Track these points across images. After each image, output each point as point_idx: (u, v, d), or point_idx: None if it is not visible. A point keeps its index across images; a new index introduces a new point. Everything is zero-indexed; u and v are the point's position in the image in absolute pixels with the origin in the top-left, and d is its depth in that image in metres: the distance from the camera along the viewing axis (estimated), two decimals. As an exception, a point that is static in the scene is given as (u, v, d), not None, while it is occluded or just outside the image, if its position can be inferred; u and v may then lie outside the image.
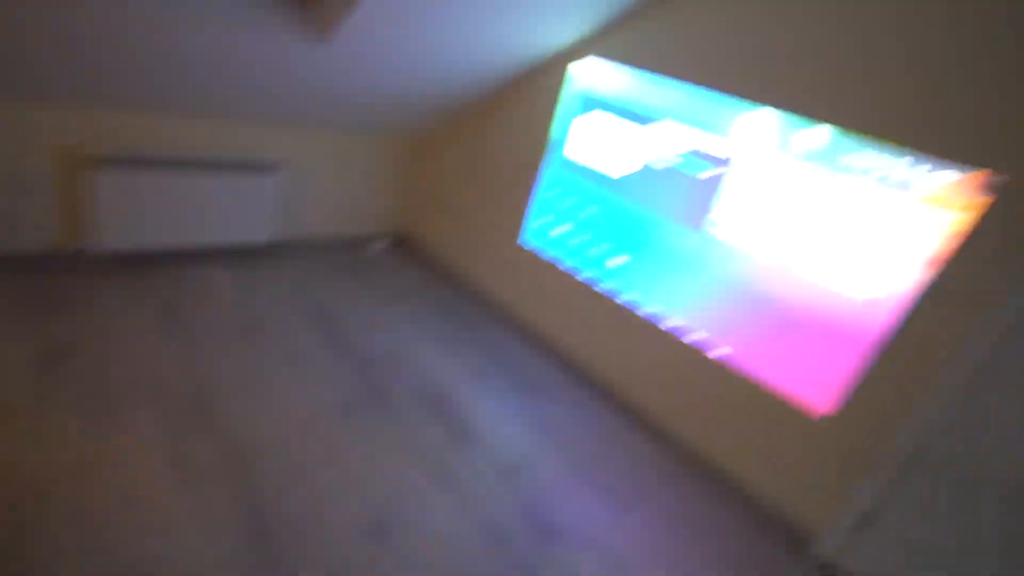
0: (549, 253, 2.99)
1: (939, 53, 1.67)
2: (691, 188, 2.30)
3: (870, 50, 1.80)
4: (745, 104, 2.11)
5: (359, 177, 3.58)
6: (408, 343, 2.82)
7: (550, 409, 2.59)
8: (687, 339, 2.41)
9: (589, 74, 2.65)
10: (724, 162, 2.18)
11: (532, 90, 2.96)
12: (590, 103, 2.65)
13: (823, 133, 1.92)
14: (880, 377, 1.88)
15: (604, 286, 2.73)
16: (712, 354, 2.33)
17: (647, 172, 2.46)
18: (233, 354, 2.35)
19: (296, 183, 3.30)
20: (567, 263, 2.90)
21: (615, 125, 2.56)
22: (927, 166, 1.72)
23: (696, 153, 2.26)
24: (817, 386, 2.04)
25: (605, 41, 2.57)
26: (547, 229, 2.98)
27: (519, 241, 3.14)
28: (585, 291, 2.83)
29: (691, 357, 2.41)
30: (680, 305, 2.43)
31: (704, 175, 2.25)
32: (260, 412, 2.08)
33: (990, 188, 1.61)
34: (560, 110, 2.80)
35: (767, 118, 2.05)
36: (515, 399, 2.60)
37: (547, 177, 2.93)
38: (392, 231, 4.01)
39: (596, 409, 2.69)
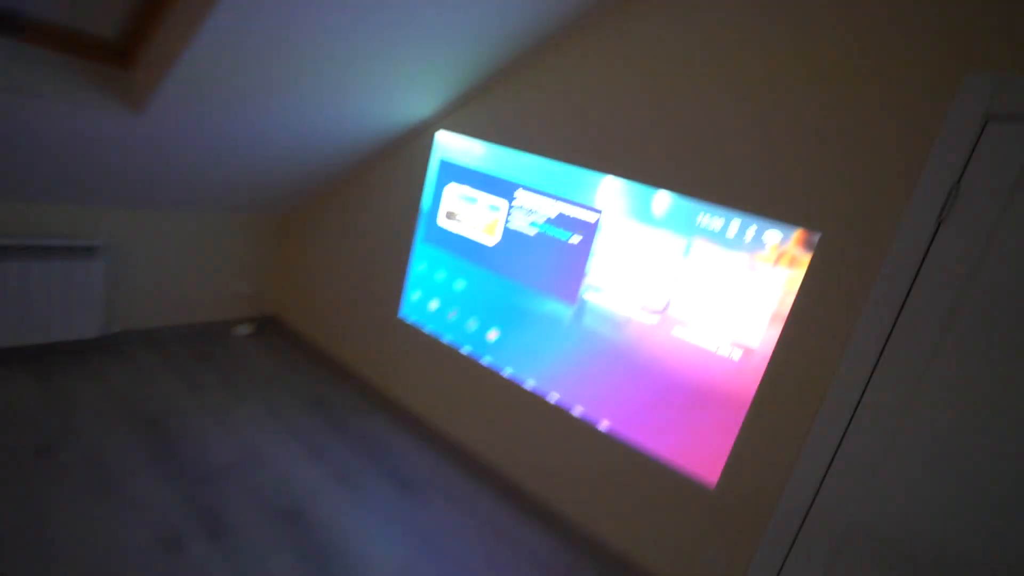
0: (428, 328, 2.79)
1: (758, 123, 1.79)
2: (562, 255, 2.26)
3: (698, 122, 1.91)
4: (592, 173, 2.14)
5: (217, 259, 3.22)
6: (260, 448, 2.41)
7: (432, 510, 2.29)
8: (573, 412, 2.28)
9: (453, 143, 2.61)
10: (591, 227, 2.17)
11: (400, 159, 2.87)
12: (454, 172, 2.60)
13: (668, 198, 1.98)
14: (758, 440, 1.84)
15: (485, 361, 2.56)
16: (602, 428, 2.21)
17: (518, 240, 2.39)
18: (14, 486, 1.83)
19: (134, 268, 2.87)
20: (446, 338, 2.72)
21: (479, 195, 2.51)
22: (753, 226, 1.79)
23: (563, 219, 2.24)
24: (705, 455, 1.96)
25: (454, 116, 2.58)
26: (424, 303, 2.80)
27: (398, 315, 2.92)
28: (468, 368, 2.64)
29: (578, 432, 2.27)
30: (557, 378, 2.31)
31: (573, 240, 2.22)
32: (46, 563, 1.58)
33: (810, 246, 1.70)
34: (429, 178, 2.72)
35: (620, 185, 2.09)
36: (390, 503, 2.26)
37: (419, 248, 2.79)
38: (258, 315, 3.61)
39: (486, 502, 2.42)
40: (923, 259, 1.54)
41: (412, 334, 2.85)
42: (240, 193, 2.89)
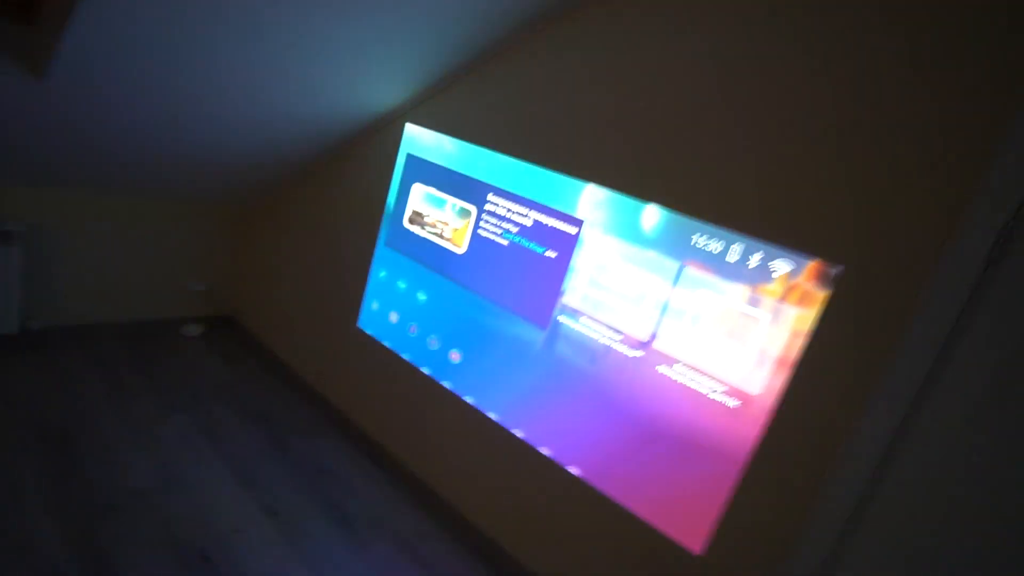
0: (387, 343, 2.49)
1: (768, 129, 1.49)
2: (536, 271, 1.96)
3: (697, 127, 1.61)
4: (573, 180, 1.84)
5: (164, 250, 2.91)
6: (182, 472, 2.10)
7: (373, 557, 1.98)
8: (541, 451, 1.98)
9: (422, 137, 2.31)
10: (570, 241, 1.87)
11: (365, 152, 2.57)
12: (422, 169, 2.30)
13: (659, 214, 1.68)
14: (754, 505, 1.55)
15: (447, 385, 2.26)
16: (575, 473, 1.90)
17: (489, 250, 2.09)
18: None
19: (60, 257, 2.56)
20: (405, 355, 2.41)
21: (448, 197, 2.21)
22: (759, 253, 1.50)
23: (539, 230, 1.94)
24: (690, 516, 1.66)
25: (424, 107, 2.28)
26: (384, 314, 2.50)
27: (357, 325, 2.61)
28: (427, 391, 2.33)
29: (545, 474, 1.97)
30: (522, 412, 2.01)
31: (549, 254, 1.92)
32: None
33: (827, 281, 1.40)
34: (396, 175, 2.42)
35: (606, 196, 1.79)
36: (323, 546, 1.96)
37: (381, 253, 2.49)
38: (212, 314, 3.30)
39: (437, 548, 2.12)
40: (968, 302, 1.24)
41: (370, 347, 2.55)
42: (179, 180, 2.59)
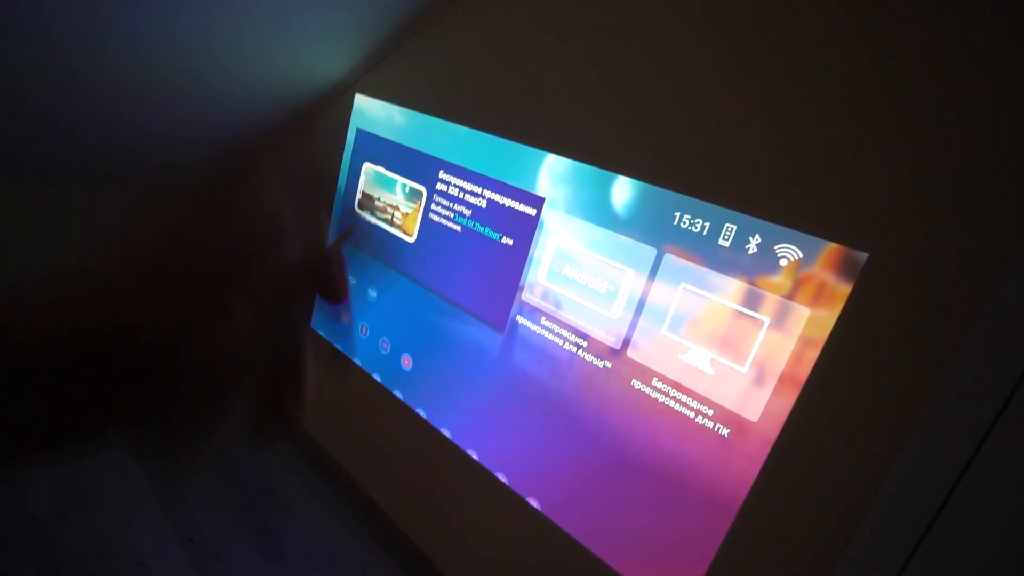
0: (338, 344, 2.19)
1: (775, 74, 1.13)
2: (492, 262, 1.63)
3: (681, 79, 1.26)
4: (532, 151, 1.51)
5: (103, 246, 2.67)
6: (93, 492, 1.84)
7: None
8: (497, 476, 1.65)
9: (371, 110, 2.00)
10: (530, 224, 1.53)
11: (312, 129, 2.27)
12: (371, 146, 1.98)
13: (632, 188, 1.33)
14: (753, 560, 1.19)
15: (398, 394, 1.95)
16: (534, 505, 1.57)
17: (441, 237, 1.77)
18: None
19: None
20: (357, 359, 2.11)
21: (397, 177, 1.90)
22: (756, 236, 1.14)
23: (494, 212, 1.61)
24: (672, 571, 1.32)
25: (373, 76, 1.97)
26: (336, 313, 2.19)
27: (309, 325, 2.32)
28: (380, 401, 2.03)
29: (507, 506, 1.64)
30: (475, 431, 1.69)
31: (506, 241, 1.59)
32: None
33: (846, 272, 1.04)
34: (346, 153, 2.11)
35: (569, 168, 1.45)
36: (242, 582, 1.67)
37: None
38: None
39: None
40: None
41: (320, 350, 2.24)
42: (109, 170, 2.33)
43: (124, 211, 2.66)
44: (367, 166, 2.01)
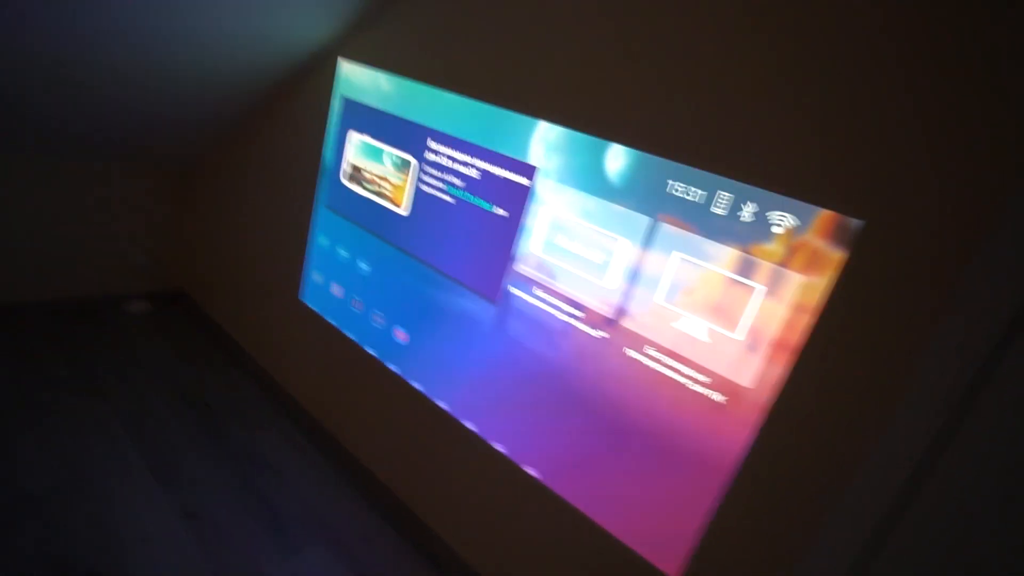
0: (331, 318, 2.18)
1: (768, 38, 1.10)
2: (484, 233, 1.61)
3: (674, 44, 1.22)
4: (524, 118, 1.47)
5: (101, 219, 2.61)
6: (94, 468, 1.84)
7: (305, 565, 1.72)
8: (496, 447, 1.67)
9: (357, 77, 1.93)
10: (523, 195, 1.51)
11: (297, 98, 2.20)
12: (357, 114, 1.93)
13: (625, 157, 1.31)
14: (743, 523, 1.23)
15: (392, 367, 1.96)
16: (532, 474, 1.60)
17: (433, 209, 1.74)
18: None
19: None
20: (350, 333, 2.10)
21: (385, 147, 1.85)
22: (751, 203, 1.13)
23: (487, 182, 1.58)
24: (664, 532, 1.36)
25: (359, 40, 1.89)
26: (326, 287, 2.18)
27: (299, 297, 2.30)
28: (374, 375, 2.03)
29: (504, 475, 1.67)
30: (472, 403, 1.70)
31: (498, 212, 1.57)
32: None
33: (840, 239, 1.04)
34: (331, 122, 2.05)
35: (562, 137, 1.42)
36: (248, 561, 1.70)
37: (322, 216, 2.15)
38: (161, 289, 3.02)
39: (383, 555, 1.85)
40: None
41: (313, 323, 2.24)
42: (101, 137, 2.25)
43: (103, 184, 2.59)
44: (354, 136, 1.95)
